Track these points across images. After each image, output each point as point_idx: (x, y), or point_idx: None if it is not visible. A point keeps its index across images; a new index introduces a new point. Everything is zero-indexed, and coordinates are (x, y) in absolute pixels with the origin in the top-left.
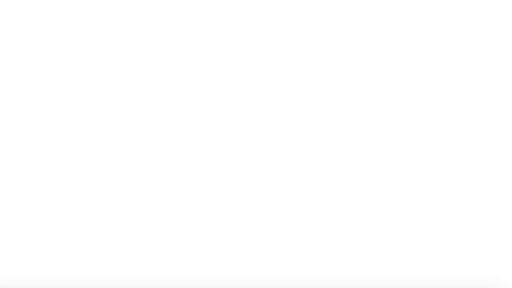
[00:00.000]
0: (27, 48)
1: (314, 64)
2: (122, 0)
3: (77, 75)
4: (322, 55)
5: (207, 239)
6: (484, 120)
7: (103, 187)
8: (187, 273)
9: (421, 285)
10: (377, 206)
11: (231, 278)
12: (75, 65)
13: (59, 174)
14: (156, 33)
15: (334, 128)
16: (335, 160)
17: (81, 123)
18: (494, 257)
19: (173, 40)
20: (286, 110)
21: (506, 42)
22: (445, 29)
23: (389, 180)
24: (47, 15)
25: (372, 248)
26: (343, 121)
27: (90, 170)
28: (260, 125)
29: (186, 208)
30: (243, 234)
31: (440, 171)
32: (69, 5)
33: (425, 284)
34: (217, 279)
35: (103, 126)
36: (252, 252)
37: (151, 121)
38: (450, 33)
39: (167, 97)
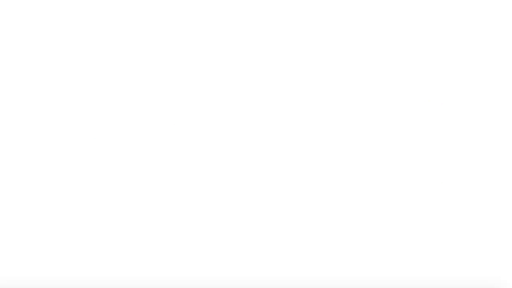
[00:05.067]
0: (26, 47)
1: (314, 64)
2: (121, 0)
3: (76, 75)
4: (322, 55)
5: (207, 239)
6: (484, 121)
7: (103, 187)
8: (187, 273)
9: (421, 285)
10: (377, 206)
11: (231, 278)
12: (74, 65)
13: (59, 174)
14: (156, 34)
15: (333, 128)
16: (335, 160)
17: (80, 124)
18: (494, 257)
19: (173, 40)
20: (285, 110)
21: (506, 42)
22: (445, 29)
23: (389, 181)
24: (47, 15)
25: (371, 248)
26: (342, 121)
27: (90, 169)
28: (260, 125)
29: (185, 208)
30: (243, 234)
31: (440, 172)
32: (69, 5)
33: (425, 284)
34: (217, 279)
35: (102, 126)
36: (252, 252)
37: (151, 121)
38: (450, 33)
39: (167, 97)
